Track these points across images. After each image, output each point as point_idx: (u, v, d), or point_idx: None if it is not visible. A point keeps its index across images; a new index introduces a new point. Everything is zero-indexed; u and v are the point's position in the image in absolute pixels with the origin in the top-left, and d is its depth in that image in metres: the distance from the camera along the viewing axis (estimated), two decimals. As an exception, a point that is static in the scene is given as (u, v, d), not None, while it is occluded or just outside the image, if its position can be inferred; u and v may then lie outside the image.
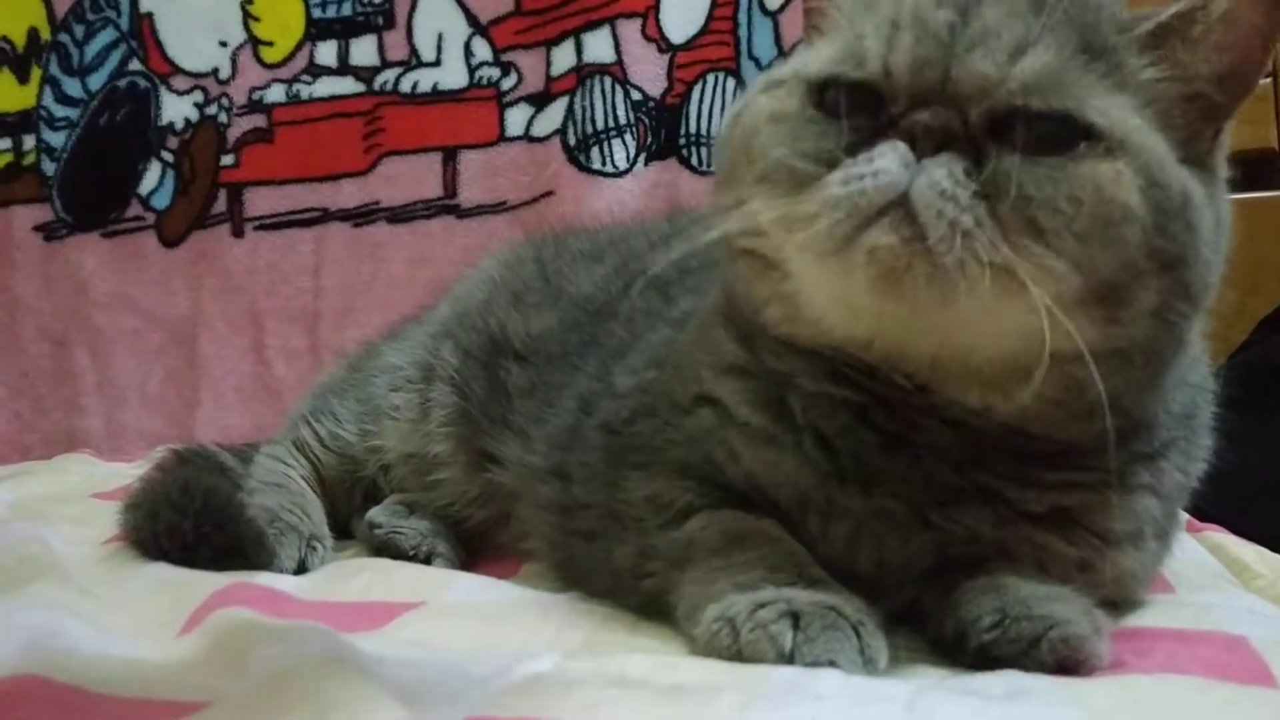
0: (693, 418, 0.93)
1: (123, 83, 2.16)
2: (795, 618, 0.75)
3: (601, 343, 1.15)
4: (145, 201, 2.16)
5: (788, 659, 0.73)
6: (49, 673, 0.70)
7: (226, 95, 2.14)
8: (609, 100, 1.98)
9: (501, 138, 2.06)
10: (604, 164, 1.97)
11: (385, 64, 2.11)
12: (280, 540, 1.15)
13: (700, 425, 0.93)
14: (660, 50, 2.00)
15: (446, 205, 2.08)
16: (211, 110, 2.14)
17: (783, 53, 1.96)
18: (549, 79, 2.04)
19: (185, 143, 2.15)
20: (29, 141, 2.18)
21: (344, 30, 2.12)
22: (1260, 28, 0.80)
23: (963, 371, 0.80)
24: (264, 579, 1.05)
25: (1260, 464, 1.45)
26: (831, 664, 0.73)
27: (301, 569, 1.15)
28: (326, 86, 2.12)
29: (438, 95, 2.08)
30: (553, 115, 2.03)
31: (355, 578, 1.09)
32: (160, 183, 2.15)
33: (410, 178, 2.08)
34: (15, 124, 2.19)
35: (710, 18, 2.00)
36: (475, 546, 1.28)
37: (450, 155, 2.08)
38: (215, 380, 2.10)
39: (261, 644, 0.73)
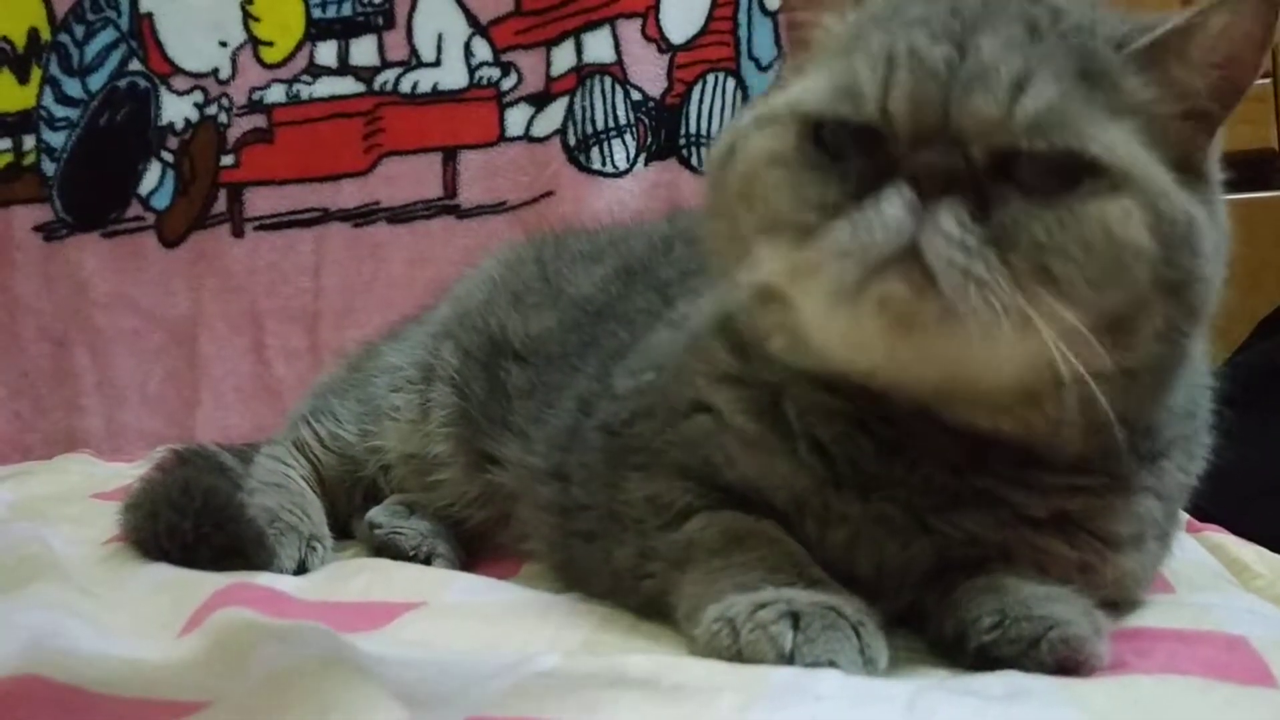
0: (690, 422, 0.94)
1: (123, 83, 2.16)
2: (795, 618, 0.75)
3: (601, 344, 1.15)
4: (145, 201, 2.16)
5: (788, 659, 0.73)
6: (49, 673, 0.70)
7: (226, 95, 2.14)
8: (609, 100, 1.98)
9: (501, 138, 2.06)
10: (604, 164, 1.97)
11: (385, 64, 2.11)
12: (280, 540, 1.15)
13: (697, 430, 0.93)
14: (660, 50, 2.00)
15: (446, 205, 2.07)
16: (211, 110, 2.14)
17: (782, 53, 1.95)
18: (549, 79, 2.04)
19: (185, 143, 2.15)
20: (29, 141, 2.18)
21: (344, 30, 2.12)
22: (1258, 38, 0.80)
23: (970, 397, 0.80)
24: (264, 579, 1.05)
25: (1260, 464, 1.45)
26: (831, 664, 0.73)
27: (301, 569, 1.15)
28: (326, 87, 2.12)
29: (438, 95, 2.08)
30: (553, 115, 2.03)
31: (355, 578, 1.09)
32: (160, 183, 2.15)
33: (410, 178, 2.08)
34: (15, 124, 2.18)
35: (710, 18, 2.00)
36: (475, 547, 1.28)
37: (450, 155, 2.08)
38: (215, 380, 2.10)
39: (262, 644, 0.73)
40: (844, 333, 0.78)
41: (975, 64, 0.76)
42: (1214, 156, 0.84)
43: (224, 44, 2.15)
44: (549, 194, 2.00)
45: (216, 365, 2.10)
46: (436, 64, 2.09)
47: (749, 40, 1.99)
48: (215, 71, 2.15)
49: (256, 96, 2.13)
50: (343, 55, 2.12)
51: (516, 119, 2.05)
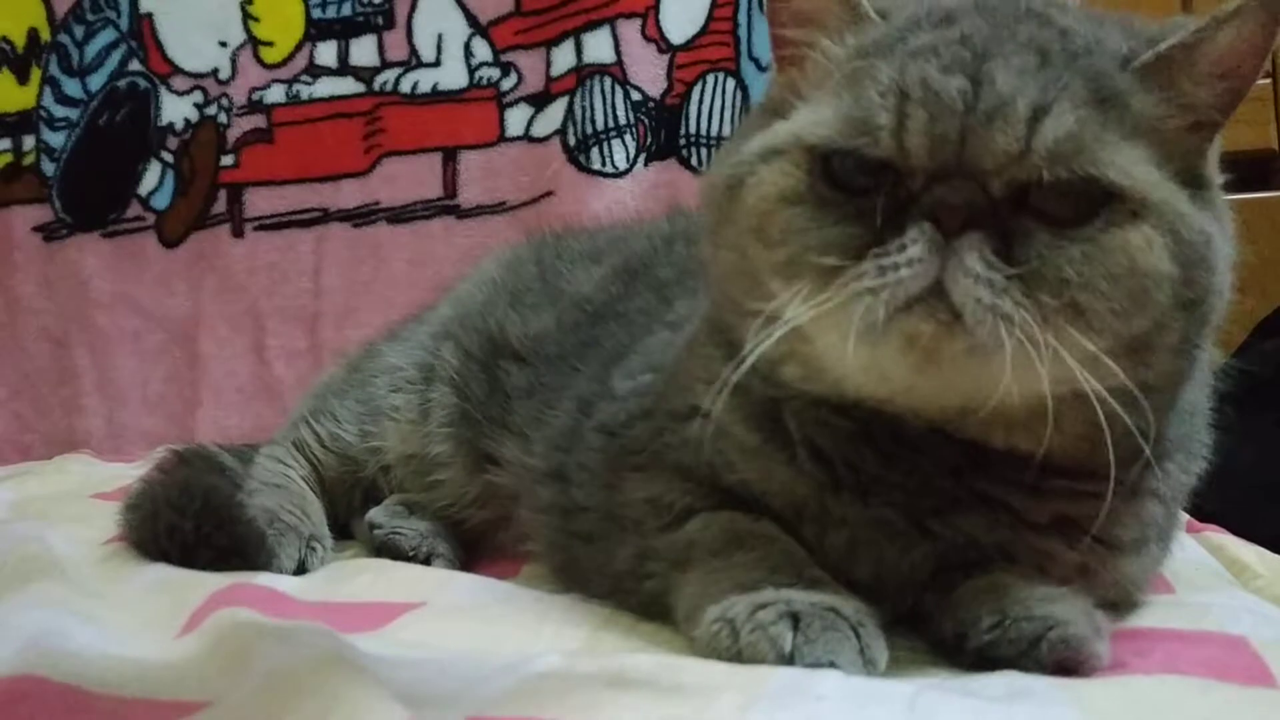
0: (689, 425, 0.93)
1: (123, 83, 2.16)
2: (795, 619, 0.75)
3: (601, 344, 1.15)
4: (145, 202, 2.15)
5: (788, 660, 0.73)
6: (49, 673, 0.71)
7: (226, 95, 2.14)
8: (609, 100, 1.98)
9: (501, 138, 2.06)
10: (604, 164, 1.97)
11: (385, 64, 2.11)
12: (280, 541, 1.15)
13: (696, 433, 0.93)
14: (660, 50, 2.00)
15: (446, 205, 2.07)
16: (211, 110, 2.14)
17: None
18: (549, 79, 2.04)
19: (185, 143, 2.15)
20: (29, 142, 2.18)
21: (344, 30, 2.12)
22: (1263, 48, 0.80)
23: (987, 418, 0.80)
24: (264, 579, 1.05)
25: (1260, 464, 1.45)
26: (831, 665, 0.73)
27: (301, 569, 1.15)
28: (326, 87, 2.12)
29: (438, 95, 2.08)
30: (553, 115, 2.03)
31: (355, 578, 1.09)
32: (160, 183, 2.15)
33: (410, 178, 2.08)
34: (15, 124, 2.18)
35: (710, 18, 2.00)
36: (475, 547, 1.29)
37: (450, 155, 2.08)
38: (215, 380, 2.10)
39: (261, 644, 0.73)
40: (866, 367, 0.77)
41: (991, 96, 0.75)
42: (1214, 159, 0.84)
43: (224, 44, 2.14)
44: (549, 194, 2.00)
45: (217, 365, 2.10)
46: (436, 64, 2.09)
47: (749, 40, 1.99)
48: (215, 72, 2.15)
49: (256, 97, 2.13)
50: (343, 55, 2.12)
51: (516, 119, 2.05)
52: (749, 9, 1.99)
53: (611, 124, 1.97)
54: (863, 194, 0.78)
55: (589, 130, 1.98)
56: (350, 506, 1.37)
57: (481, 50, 2.07)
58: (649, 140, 1.99)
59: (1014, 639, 0.78)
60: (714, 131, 1.98)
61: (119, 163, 2.15)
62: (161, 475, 1.20)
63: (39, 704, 0.69)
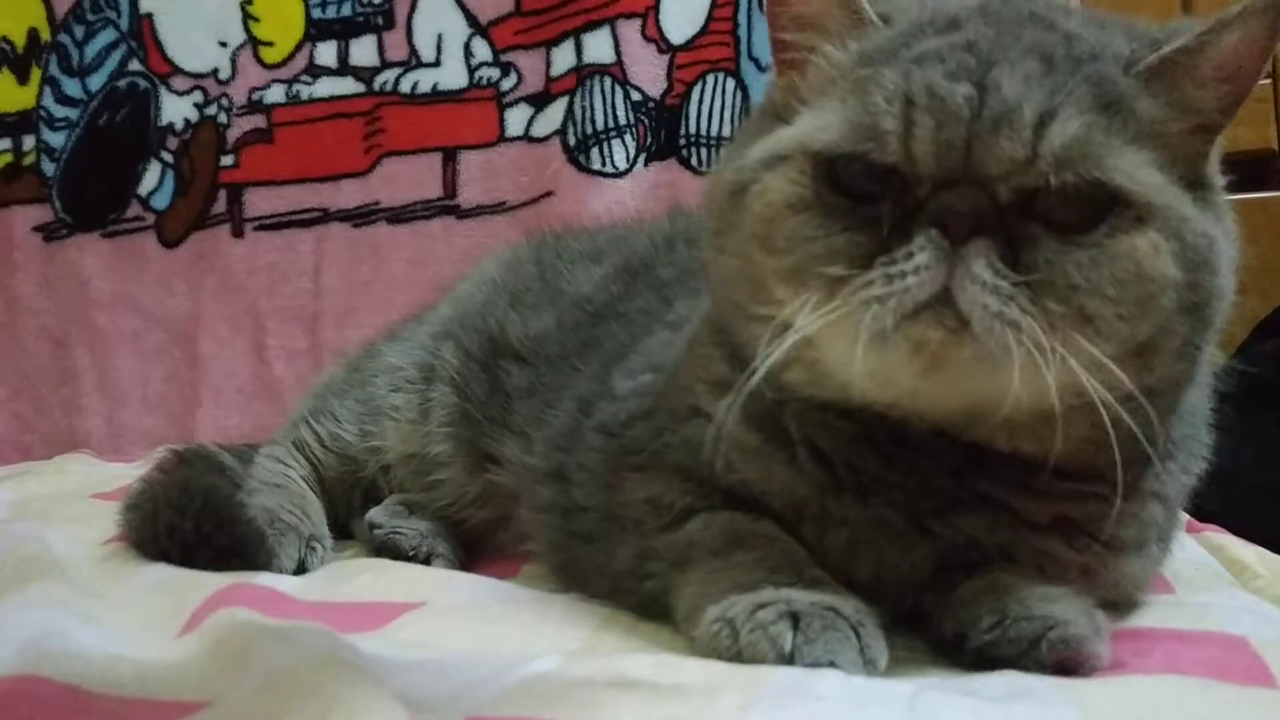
0: (689, 425, 0.93)
1: (123, 83, 2.16)
2: (795, 618, 0.75)
3: (601, 344, 1.15)
4: (145, 202, 2.15)
5: (788, 660, 0.73)
6: (49, 673, 0.71)
7: (226, 95, 2.14)
8: (609, 101, 1.98)
9: (501, 138, 2.06)
10: (604, 164, 1.97)
11: (385, 64, 2.10)
12: (280, 541, 1.15)
13: (696, 434, 0.93)
14: (660, 50, 2.00)
15: (446, 205, 2.07)
16: (211, 111, 2.14)
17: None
18: (549, 79, 2.04)
19: (185, 143, 2.15)
20: (29, 142, 2.18)
21: (344, 30, 2.12)
22: (1266, 50, 0.80)
23: (992, 422, 0.80)
24: (264, 579, 1.05)
25: (1260, 464, 1.45)
26: (831, 665, 0.73)
27: (301, 569, 1.15)
28: (326, 87, 2.12)
29: (437, 95, 2.08)
30: (552, 116, 2.02)
31: (355, 578, 1.09)
32: (160, 183, 2.15)
33: (410, 178, 2.08)
34: (15, 124, 2.18)
35: (710, 18, 2.00)
36: (475, 547, 1.29)
37: (450, 155, 2.07)
38: (215, 380, 2.10)
39: (261, 644, 0.73)
40: (874, 373, 0.77)
41: (997, 103, 0.75)
42: (1216, 161, 0.84)
43: (224, 44, 2.14)
44: (549, 194, 2.00)
45: (217, 365, 2.10)
46: (436, 64, 2.09)
47: (749, 40, 1.99)
48: (215, 72, 2.15)
49: (256, 97, 2.13)
50: (342, 55, 2.12)
51: (516, 119, 2.05)
52: (749, 9, 1.99)
53: (611, 124, 1.97)
54: (867, 200, 0.78)
55: (589, 130, 1.98)
56: (350, 506, 1.37)
57: (481, 50, 2.07)
58: (649, 140, 1.99)
59: (1014, 639, 0.78)
60: (714, 132, 1.98)
61: (119, 163, 2.15)
62: (161, 475, 1.20)
63: (39, 704, 0.69)
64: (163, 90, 2.15)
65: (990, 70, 0.77)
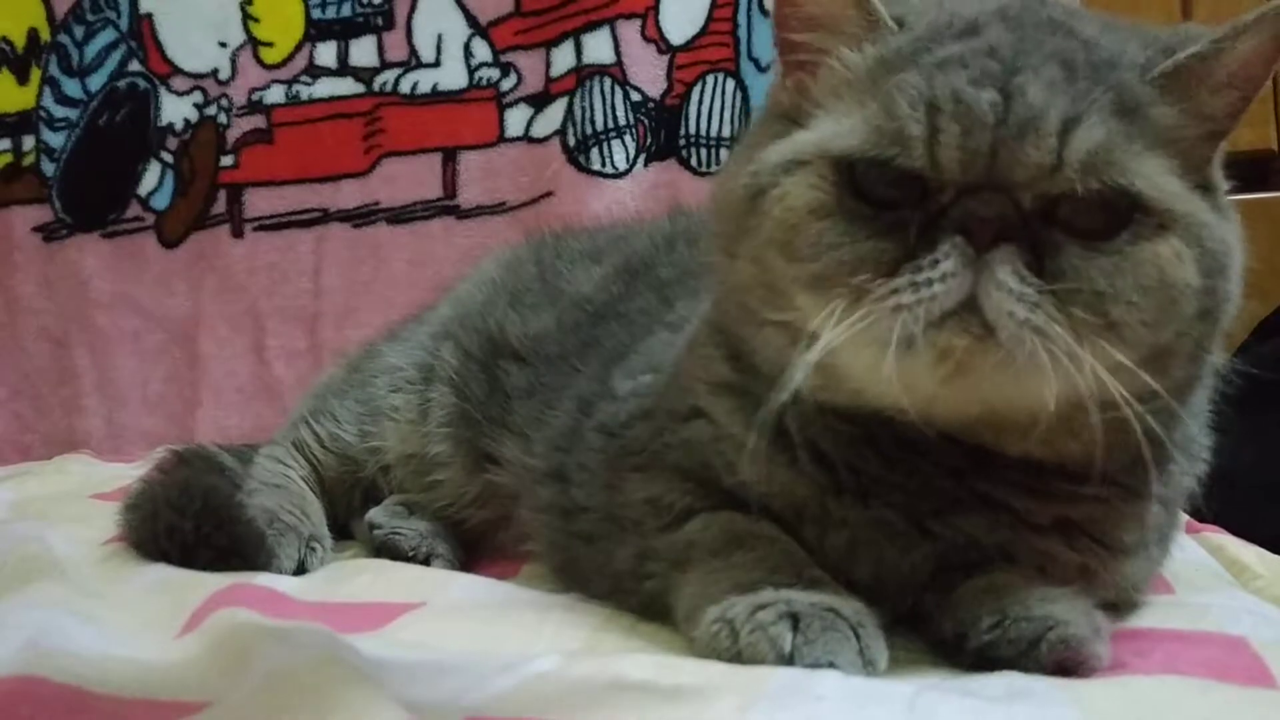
0: (689, 426, 0.93)
1: (122, 83, 2.16)
2: (794, 619, 0.75)
3: (601, 344, 1.15)
4: (145, 202, 2.15)
5: (787, 660, 0.73)
6: (49, 673, 0.71)
7: (226, 96, 2.14)
8: (609, 101, 1.98)
9: (501, 138, 2.06)
10: (604, 165, 1.97)
11: (385, 65, 2.10)
12: (280, 541, 1.15)
13: (696, 434, 0.93)
14: (660, 51, 2.00)
15: (446, 206, 2.07)
16: (211, 111, 2.14)
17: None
18: (548, 80, 2.04)
19: (185, 143, 2.15)
20: (29, 142, 2.18)
21: (344, 31, 2.12)
22: (1274, 57, 0.80)
23: (1006, 428, 0.80)
24: (263, 579, 1.05)
25: (1261, 464, 1.45)
26: (831, 665, 0.73)
27: (301, 570, 1.15)
28: (326, 87, 2.12)
29: (437, 96, 2.08)
30: (552, 116, 2.03)
31: (355, 578, 1.09)
32: (160, 183, 2.15)
33: (410, 178, 2.08)
34: (15, 125, 2.18)
35: (710, 18, 2.00)
36: (475, 547, 1.29)
37: (450, 156, 2.08)
38: (215, 380, 2.10)
39: (261, 644, 0.73)
40: (897, 379, 0.76)
41: (1023, 109, 0.75)
42: (1219, 165, 0.85)
43: (224, 44, 2.14)
44: (549, 195, 2.00)
45: (217, 365, 2.10)
46: (436, 64, 2.09)
47: (749, 41, 1.99)
48: (215, 72, 2.15)
49: (256, 97, 2.13)
50: (342, 56, 2.12)
51: (516, 119, 2.05)
52: (749, 9, 1.99)
53: (611, 124, 1.97)
54: (889, 206, 0.77)
55: (589, 131, 1.98)
56: (350, 506, 1.37)
57: (481, 51, 2.07)
58: (649, 141, 1.99)
59: (1014, 639, 0.78)
60: (714, 132, 1.98)
61: (119, 163, 2.15)
62: (161, 475, 1.21)
63: (39, 704, 0.69)
64: (162, 90, 2.15)
65: (1014, 76, 0.76)
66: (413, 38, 2.10)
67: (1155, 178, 0.77)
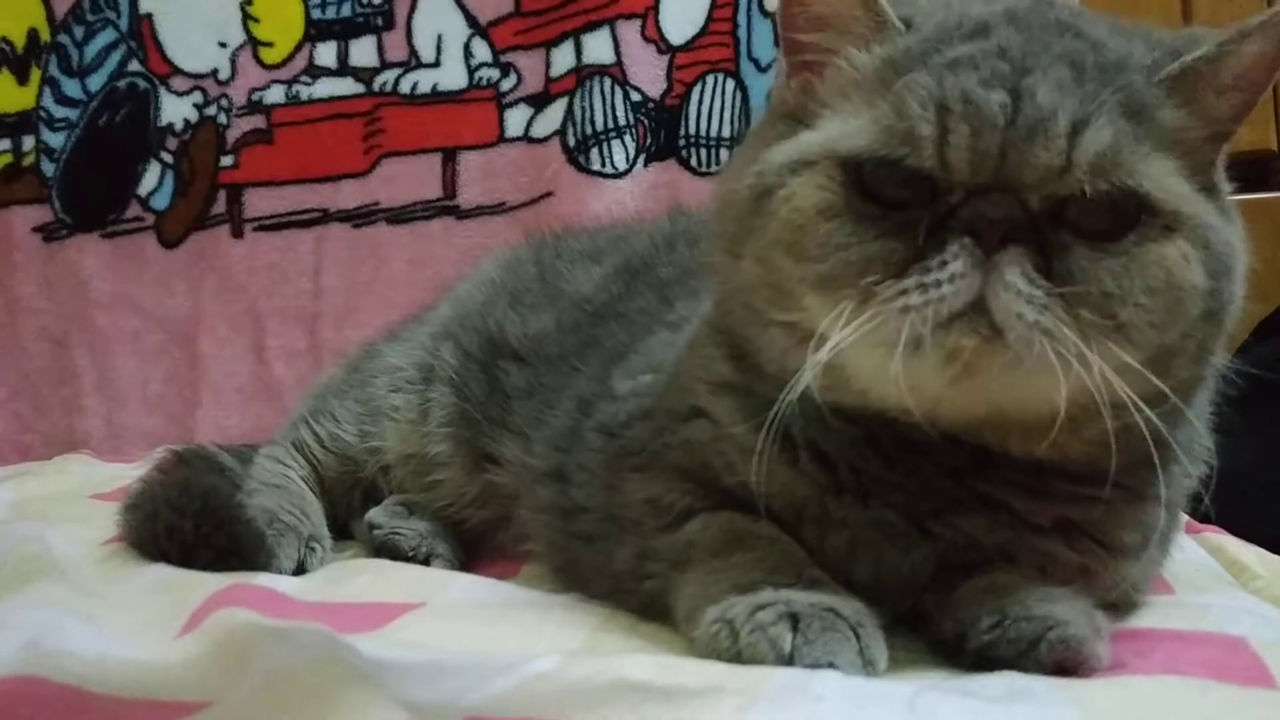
0: (689, 426, 0.93)
1: (122, 83, 2.16)
2: (794, 619, 0.75)
3: (601, 344, 1.15)
4: (145, 202, 2.15)
5: (787, 661, 0.74)
6: (49, 673, 0.71)
7: (226, 96, 2.14)
8: (608, 101, 1.98)
9: (501, 139, 2.06)
10: (603, 165, 1.97)
11: (385, 65, 2.10)
12: (279, 541, 1.15)
13: (696, 434, 0.93)
14: (660, 51, 2.00)
15: (446, 206, 2.07)
16: (211, 111, 2.14)
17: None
18: (548, 80, 2.04)
19: (185, 143, 2.15)
20: (28, 142, 2.18)
21: (343, 31, 2.12)
22: (1278, 62, 0.81)
23: (1011, 428, 0.81)
24: (263, 580, 1.05)
25: (1261, 464, 1.45)
26: (831, 665, 0.73)
27: (301, 570, 1.15)
28: (326, 87, 2.12)
29: (437, 96, 2.08)
30: (552, 116, 2.03)
31: (355, 578, 1.09)
32: (160, 183, 2.15)
33: (410, 178, 2.08)
34: (15, 125, 2.18)
35: (710, 19, 2.00)
36: (475, 547, 1.29)
37: (450, 156, 2.08)
38: (215, 381, 2.10)
39: (261, 644, 0.73)
40: (903, 380, 0.76)
41: (1032, 111, 0.75)
42: (1222, 167, 0.85)
43: (223, 45, 2.14)
44: (548, 195, 2.00)
45: (216, 365, 2.10)
46: (436, 65, 2.09)
47: (749, 41, 1.99)
48: (215, 72, 2.15)
49: (256, 97, 2.13)
50: (342, 56, 2.12)
51: (516, 120, 2.05)
52: (749, 9, 1.99)
53: (611, 124, 1.97)
54: (896, 207, 0.77)
55: (589, 131, 1.98)
56: (350, 507, 1.37)
57: (481, 51, 2.07)
58: (649, 141, 1.99)
59: (1013, 639, 0.78)
60: (714, 132, 1.98)
61: (119, 163, 2.15)
62: (161, 475, 1.21)
63: (39, 704, 0.69)
64: (162, 90, 2.15)
65: (1024, 78, 0.76)
66: (413, 38, 2.10)
67: (1162, 179, 0.77)
